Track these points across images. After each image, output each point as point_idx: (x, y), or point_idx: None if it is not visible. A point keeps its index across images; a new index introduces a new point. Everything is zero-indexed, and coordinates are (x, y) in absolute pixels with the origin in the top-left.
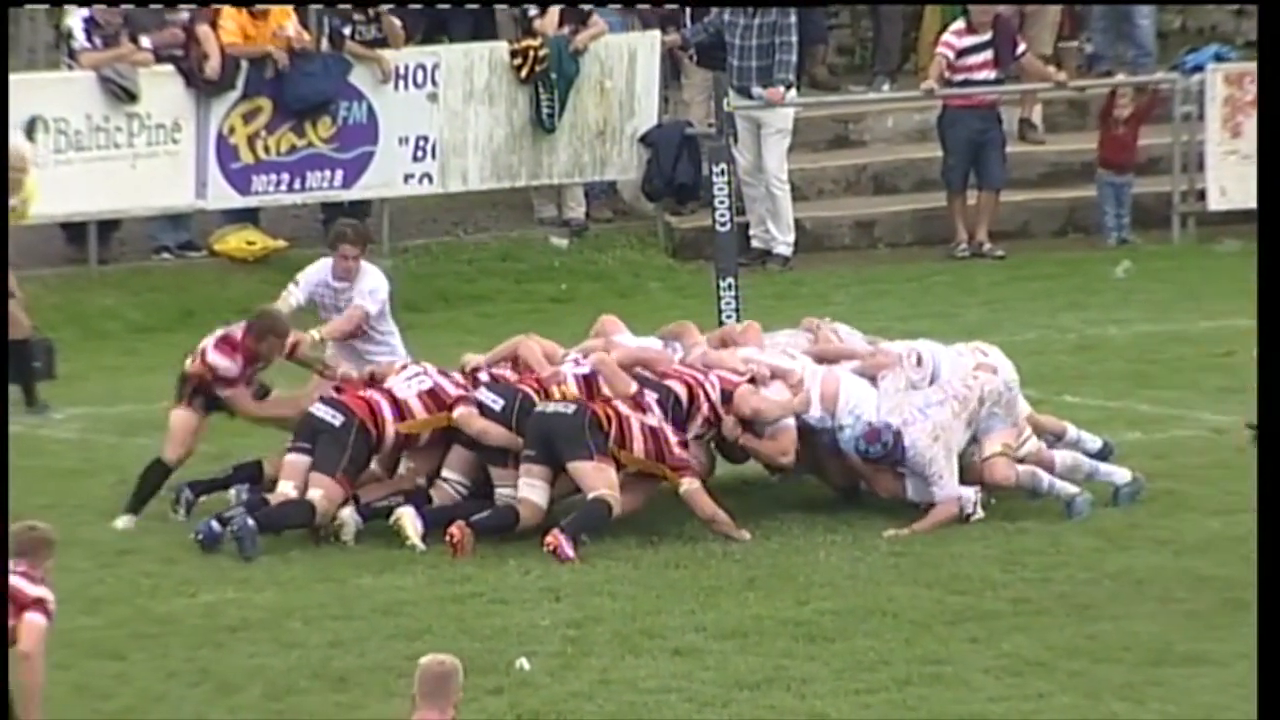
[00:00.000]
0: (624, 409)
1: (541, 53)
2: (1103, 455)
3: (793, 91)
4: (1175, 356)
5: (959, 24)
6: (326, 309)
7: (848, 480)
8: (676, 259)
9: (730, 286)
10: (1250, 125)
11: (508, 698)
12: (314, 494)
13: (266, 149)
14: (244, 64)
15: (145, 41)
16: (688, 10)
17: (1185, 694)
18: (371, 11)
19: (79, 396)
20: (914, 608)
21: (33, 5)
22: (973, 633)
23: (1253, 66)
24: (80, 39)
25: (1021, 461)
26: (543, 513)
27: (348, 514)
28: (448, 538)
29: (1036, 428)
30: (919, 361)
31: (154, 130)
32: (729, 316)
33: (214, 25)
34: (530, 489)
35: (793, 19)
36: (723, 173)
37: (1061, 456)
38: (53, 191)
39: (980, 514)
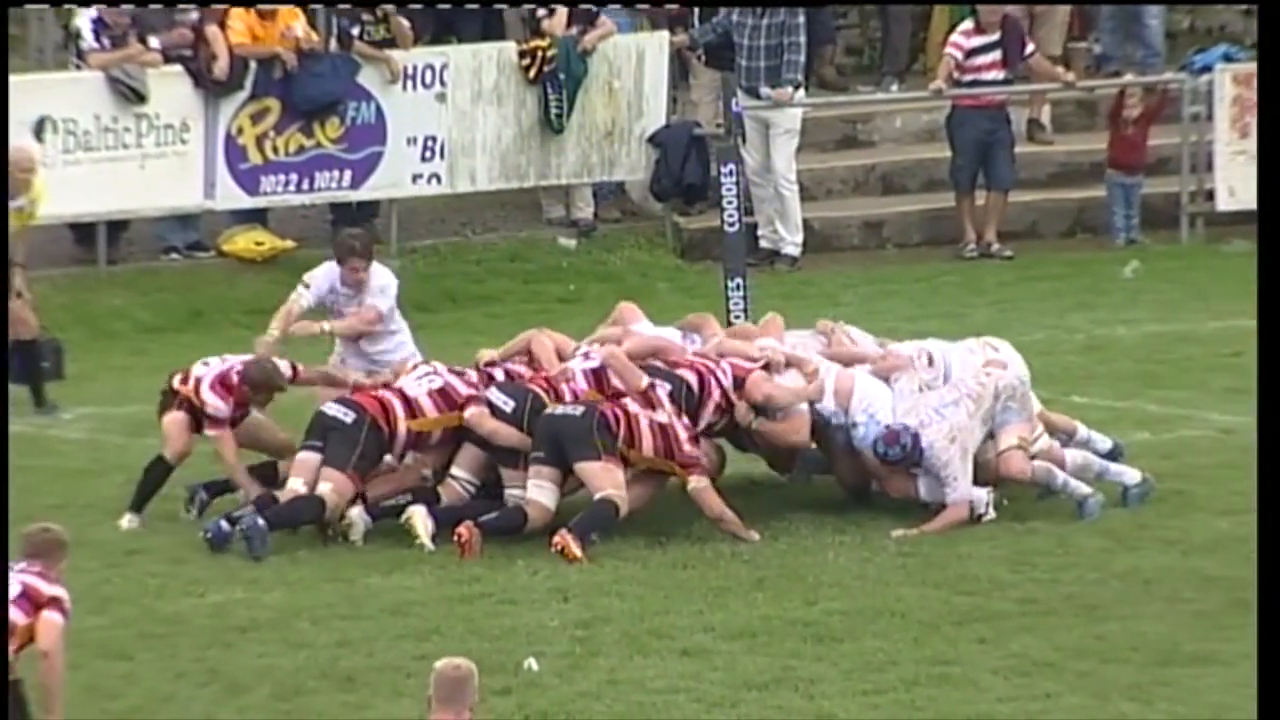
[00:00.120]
0: (633, 407)
1: (550, 53)
2: (1113, 456)
3: (801, 92)
4: (1183, 357)
5: (967, 24)
6: (333, 314)
7: (858, 481)
8: (685, 259)
9: (738, 287)
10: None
11: (516, 698)
12: (323, 488)
13: (275, 149)
14: (252, 64)
15: (154, 42)
16: (696, 11)
17: (1193, 694)
18: (380, 12)
19: (87, 397)
20: (922, 608)
21: (33, 5)
22: (981, 633)
23: None
24: (89, 39)
25: (1034, 458)
26: (551, 514)
27: (356, 514)
28: (456, 538)
29: (1047, 425)
30: (930, 361)
31: (162, 131)
32: (737, 317)
33: (222, 26)
34: (539, 490)
35: (801, 19)
36: (731, 173)
37: (1072, 456)
38: (61, 192)
39: (992, 514)
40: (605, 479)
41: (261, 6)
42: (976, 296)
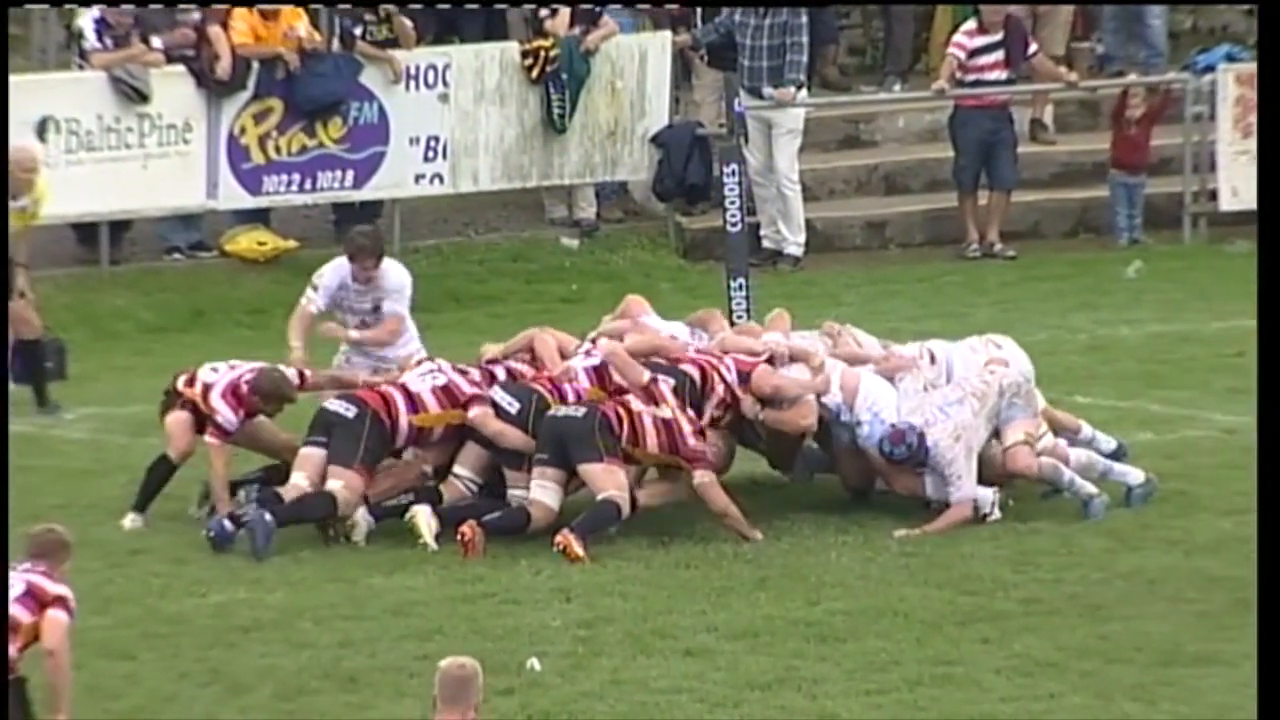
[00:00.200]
0: (635, 405)
1: (552, 53)
2: (1117, 456)
3: (804, 92)
4: (1186, 357)
5: (970, 24)
6: (346, 310)
7: (862, 481)
8: (687, 259)
9: (741, 287)
10: None
11: (519, 698)
12: (333, 485)
13: (278, 149)
14: (255, 64)
15: (156, 42)
16: (699, 11)
17: (1196, 694)
18: (382, 12)
19: (90, 397)
20: (925, 608)
21: (33, 5)
22: (984, 633)
23: None
24: (91, 39)
25: (1039, 455)
26: (554, 515)
27: (360, 514)
28: (459, 537)
29: (1052, 423)
30: (932, 360)
31: (165, 131)
32: (740, 317)
33: (225, 26)
34: (542, 491)
35: (804, 19)
36: (734, 173)
37: (1076, 455)
38: (64, 192)
39: (997, 514)
40: (607, 480)
41: (264, 7)
42: (979, 296)
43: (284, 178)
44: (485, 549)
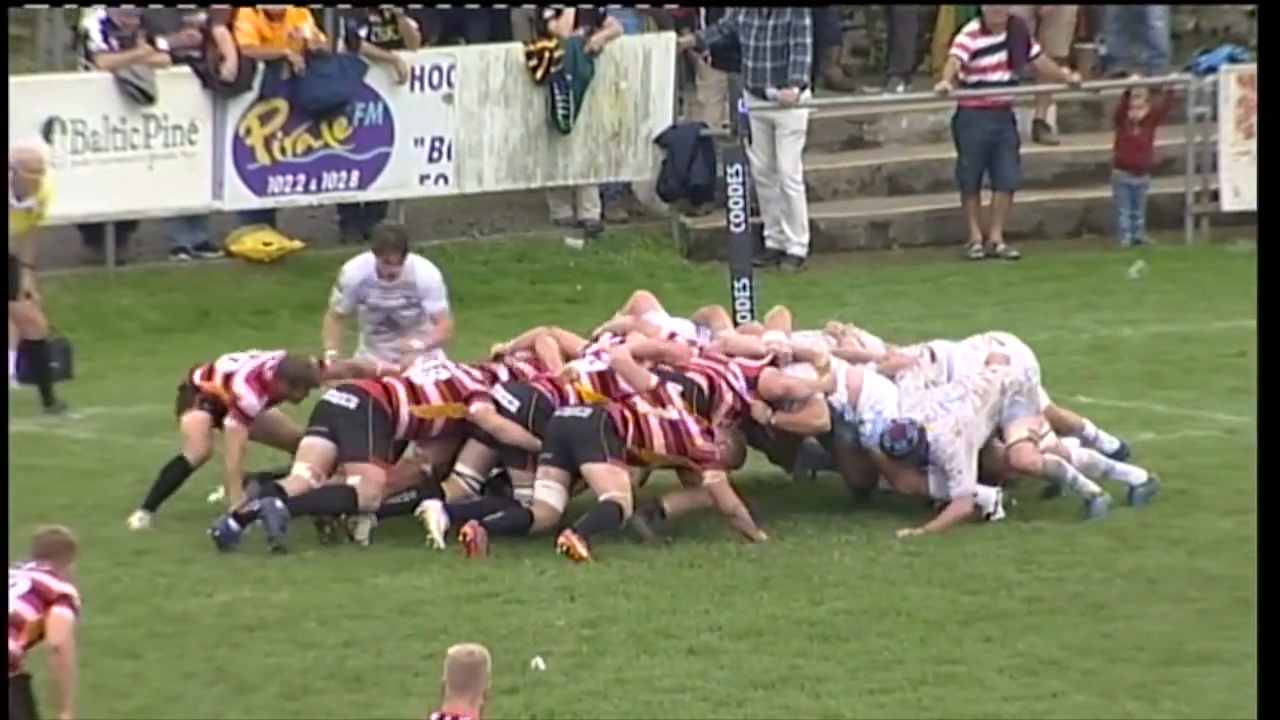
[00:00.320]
0: (642, 406)
1: (557, 54)
2: (1119, 456)
3: (807, 93)
4: (1188, 357)
5: (973, 25)
6: (372, 307)
7: (865, 480)
8: (691, 259)
9: (745, 287)
10: None
11: (523, 697)
12: (353, 480)
13: (283, 150)
14: (260, 65)
15: (162, 43)
16: (702, 12)
17: (1198, 693)
18: (387, 13)
19: (96, 396)
20: (928, 607)
21: (33, 5)
22: (987, 632)
23: None
24: (97, 40)
25: (1043, 453)
26: (558, 515)
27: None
28: (461, 537)
29: (1056, 422)
30: (932, 358)
31: (171, 131)
32: (744, 317)
33: (230, 27)
34: (546, 491)
35: (807, 20)
36: (737, 173)
37: (1078, 454)
38: (70, 192)
39: (1001, 514)
40: (610, 481)
41: (269, 7)
42: (982, 297)
43: (289, 178)
44: (489, 549)
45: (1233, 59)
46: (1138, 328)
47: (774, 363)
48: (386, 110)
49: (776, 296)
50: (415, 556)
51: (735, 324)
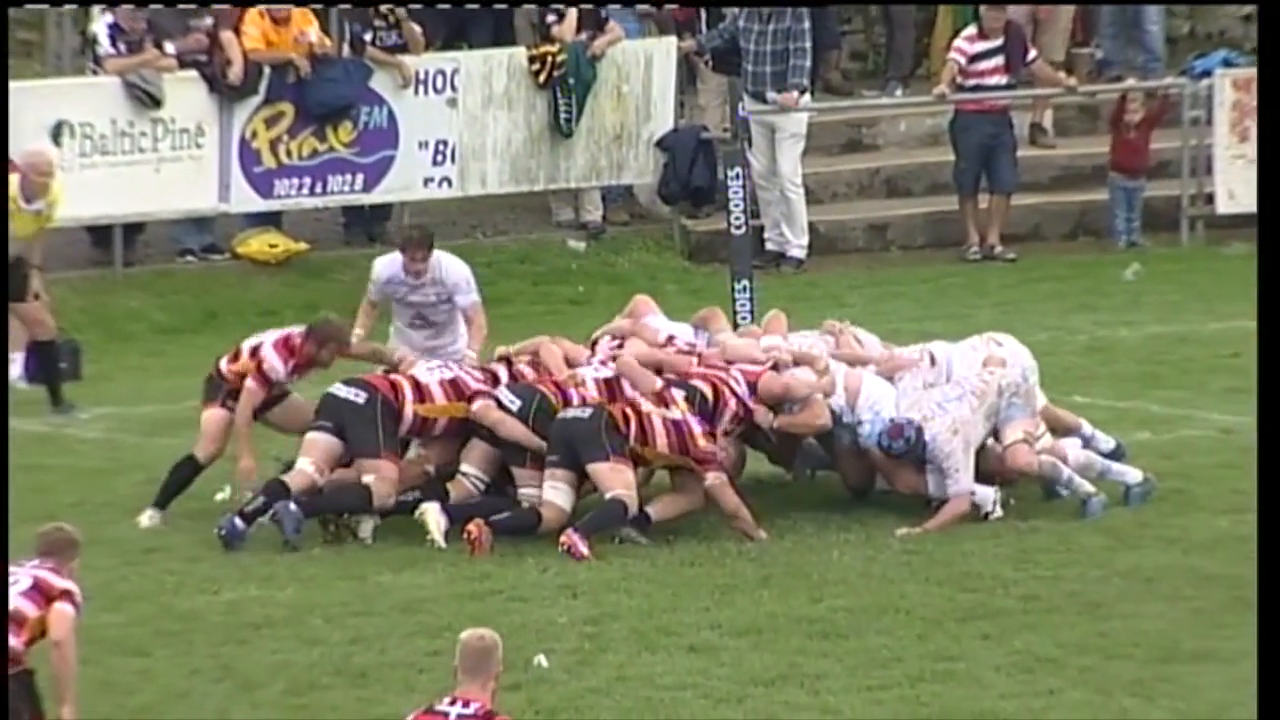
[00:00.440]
0: (645, 406)
1: (559, 58)
2: (1115, 455)
3: (807, 96)
4: (1184, 358)
5: (971, 30)
6: (402, 302)
7: (863, 481)
8: (692, 261)
9: (745, 289)
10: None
11: (526, 694)
12: (368, 479)
13: (288, 153)
14: (266, 69)
15: (169, 47)
16: (703, 16)
17: (1194, 690)
18: (392, 17)
19: (104, 397)
20: (926, 605)
21: (33, 4)
22: (984, 630)
23: None
24: (105, 45)
25: (1039, 454)
26: (566, 515)
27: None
28: (465, 535)
29: (1053, 422)
30: (932, 361)
31: (178, 135)
32: (744, 318)
33: (237, 31)
34: (554, 492)
35: (807, 25)
36: (737, 176)
37: (1074, 454)
38: (78, 195)
39: (999, 513)
40: (615, 479)
41: (274, 8)
42: (980, 298)
43: (295, 181)
44: (493, 547)
45: (1227, 63)
46: (1134, 329)
47: (774, 368)
48: (391, 114)
49: (776, 298)
50: (419, 554)
51: (735, 326)
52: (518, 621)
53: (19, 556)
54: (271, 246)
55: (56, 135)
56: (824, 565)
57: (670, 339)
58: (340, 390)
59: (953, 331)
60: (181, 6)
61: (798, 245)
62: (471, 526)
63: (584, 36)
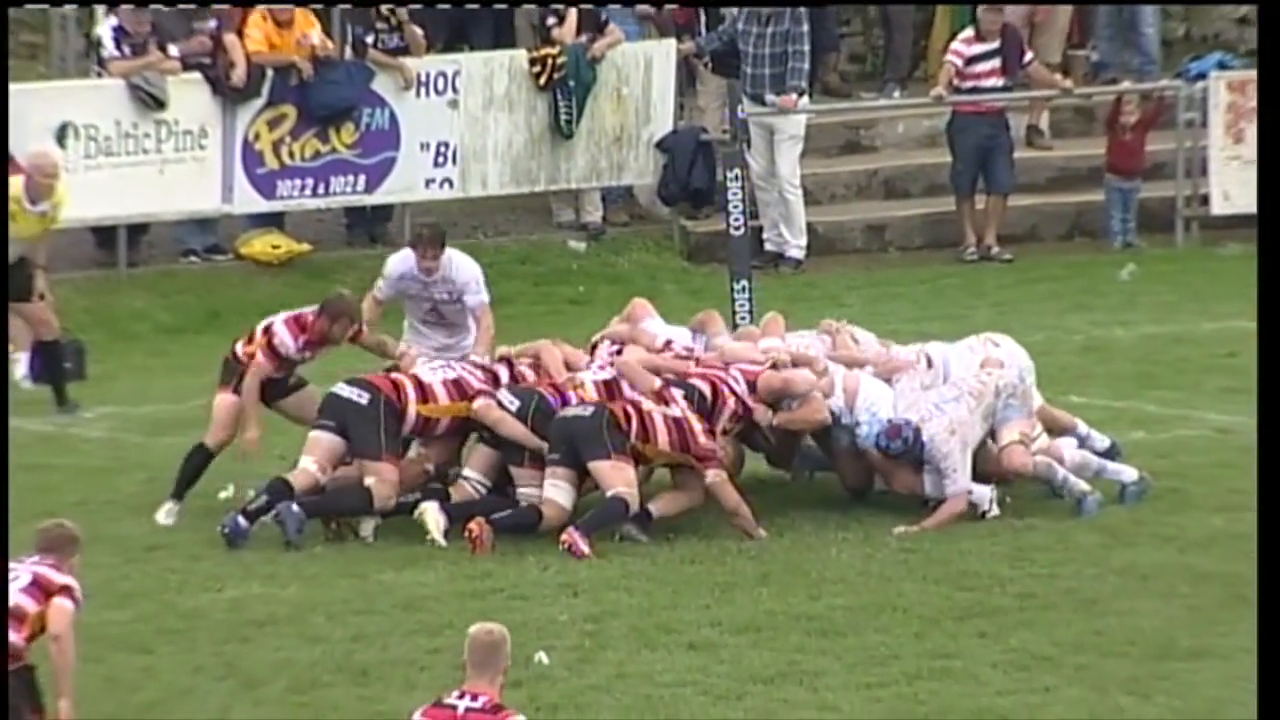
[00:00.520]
0: (645, 404)
1: (560, 60)
2: (1110, 455)
3: (805, 98)
4: (1179, 357)
5: (968, 32)
6: (416, 299)
7: (861, 482)
8: (691, 262)
9: (744, 289)
10: (1252, 131)
11: (526, 691)
12: (369, 480)
13: (291, 154)
14: (269, 72)
15: (173, 50)
16: (703, 19)
17: (1190, 688)
18: (394, 20)
19: (108, 396)
20: (923, 603)
21: (33, 4)
22: (981, 628)
23: (1254, 74)
24: (110, 47)
25: (1034, 455)
26: (567, 514)
27: None
28: (466, 534)
29: (1049, 422)
30: (929, 364)
31: (181, 136)
32: (743, 318)
33: (240, 34)
34: (555, 490)
35: (805, 28)
36: (737, 178)
37: (1071, 454)
38: (83, 196)
39: (996, 511)
40: (616, 477)
41: (277, 7)
42: (977, 298)
43: (297, 182)
44: (493, 545)
45: (1222, 65)
46: (1130, 329)
47: (773, 368)
48: (393, 115)
49: (775, 298)
50: (420, 553)
51: (734, 326)
52: (518, 619)
53: (24, 555)
54: (274, 247)
55: (61, 137)
56: (822, 563)
57: (668, 343)
58: (343, 390)
59: (950, 331)
60: (182, 6)
61: (796, 246)
62: (473, 525)
63: (584, 39)
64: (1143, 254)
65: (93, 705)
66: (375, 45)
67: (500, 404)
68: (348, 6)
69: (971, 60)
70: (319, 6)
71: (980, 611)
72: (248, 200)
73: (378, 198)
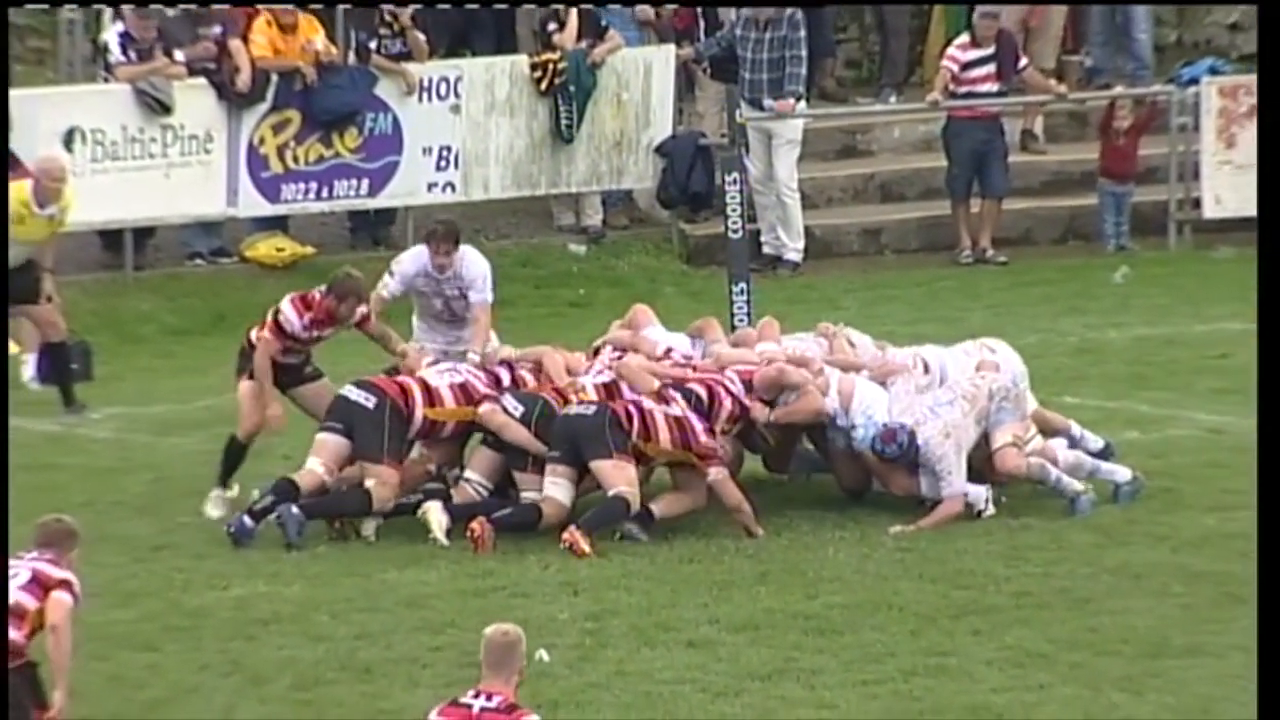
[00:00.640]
0: (647, 403)
1: (560, 66)
2: (1104, 455)
3: (802, 103)
4: (1171, 359)
5: (963, 38)
6: (427, 295)
7: (857, 484)
8: (690, 265)
9: (742, 291)
10: (1244, 136)
11: (528, 688)
12: (369, 483)
13: (295, 159)
14: (274, 77)
15: (179, 55)
16: (702, 25)
17: (1182, 685)
18: (397, 26)
19: (115, 397)
20: (919, 602)
21: (33, 5)
22: (976, 626)
23: (1246, 79)
24: (116, 53)
25: (1028, 456)
26: (566, 511)
27: None
28: (468, 533)
29: (1042, 424)
30: (926, 369)
31: (187, 141)
32: (741, 320)
33: (245, 40)
34: (555, 487)
35: (802, 34)
36: (735, 182)
37: (1064, 454)
38: (90, 200)
39: (991, 510)
40: (618, 476)
41: (278, 8)
42: (972, 301)
43: (302, 186)
44: (495, 544)
45: (1214, 71)
46: (1123, 331)
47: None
48: (396, 120)
49: (773, 300)
50: (422, 552)
51: (733, 328)
52: (520, 617)
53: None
54: (279, 250)
55: (69, 142)
56: (820, 562)
57: (668, 351)
58: (352, 393)
59: (945, 333)
60: (183, 6)
61: (794, 249)
62: (474, 524)
63: (585, 45)
64: (1136, 257)
65: (99, 702)
66: (378, 51)
67: (505, 409)
68: (348, 6)
69: (967, 66)
70: (321, 10)
71: (975, 610)
72: (252, 204)
73: (381, 201)
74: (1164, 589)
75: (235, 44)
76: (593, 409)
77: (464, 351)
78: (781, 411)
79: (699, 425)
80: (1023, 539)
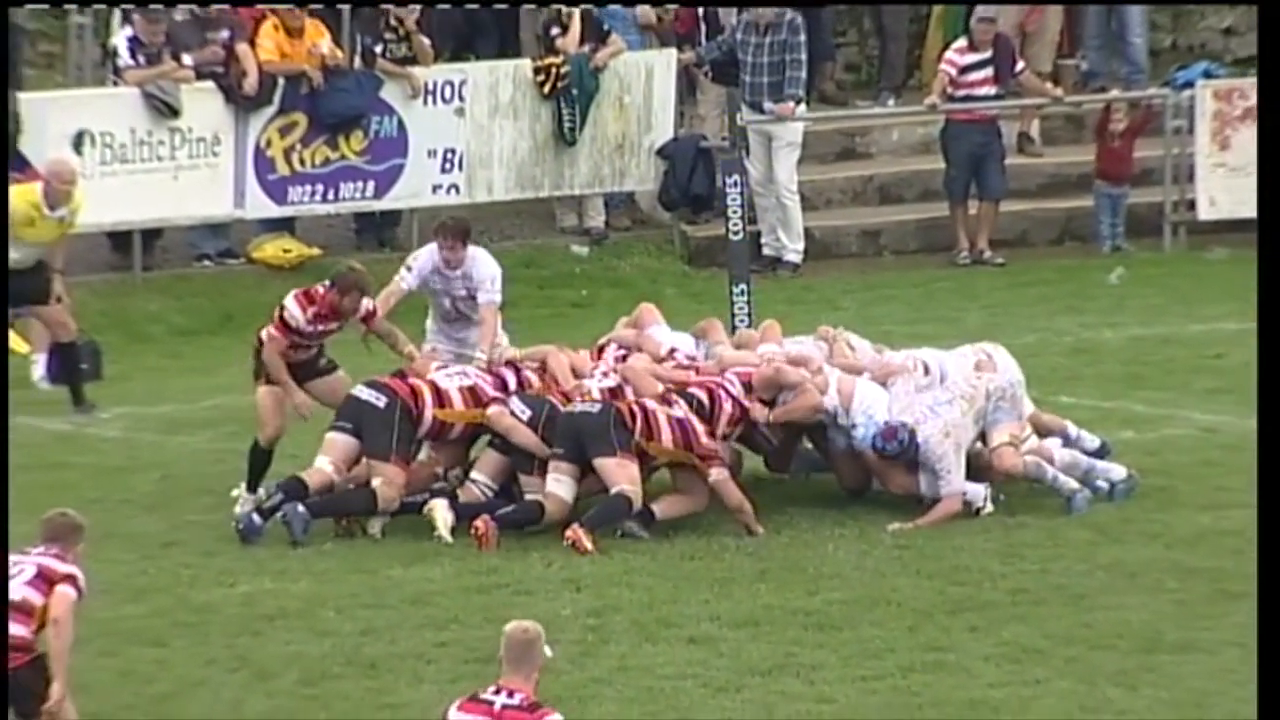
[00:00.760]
0: (650, 404)
1: (563, 70)
2: (1100, 454)
3: (802, 106)
4: (1166, 359)
5: (961, 42)
6: (440, 293)
7: (857, 483)
8: (692, 266)
9: (743, 292)
10: (1238, 139)
11: None
12: (375, 482)
13: (302, 161)
14: (281, 80)
15: (187, 59)
16: (703, 29)
17: (1176, 680)
18: (402, 30)
19: (124, 397)
20: (917, 598)
21: (33, 5)
22: (973, 622)
23: (1240, 83)
24: (125, 57)
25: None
26: (568, 507)
27: None
28: (473, 530)
29: (1039, 426)
30: (925, 371)
31: (195, 144)
32: (742, 321)
33: (252, 44)
34: (557, 484)
35: (802, 37)
36: (735, 184)
37: (1060, 454)
38: (99, 202)
39: (990, 508)
40: (620, 474)
41: (281, 8)
42: (970, 302)
43: (308, 188)
44: (499, 542)
45: (1208, 74)
46: (1118, 331)
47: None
48: (401, 123)
49: (773, 301)
50: (427, 549)
51: (733, 329)
52: (523, 614)
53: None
54: (285, 251)
55: (78, 144)
56: (819, 559)
57: (672, 351)
58: (363, 393)
59: (944, 333)
60: (185, 6)
61: (794, 250)
62: (479, 522)
63: (587, 49)
64: (1131, 258)
65: (108, 697)
66: (384, 55)
67: (512, 412)
68: (354, 10)
69: (965, 69)
70: (327, 14)
71: (972, 606)
72: (259, 205)
73: (386, 203)
74: (1158, 585)
75: (242, 48)
76: (597, 407)
77: (474, 356)
78: (780, 410)
79: (700, 427)
80: (1019, 536)
